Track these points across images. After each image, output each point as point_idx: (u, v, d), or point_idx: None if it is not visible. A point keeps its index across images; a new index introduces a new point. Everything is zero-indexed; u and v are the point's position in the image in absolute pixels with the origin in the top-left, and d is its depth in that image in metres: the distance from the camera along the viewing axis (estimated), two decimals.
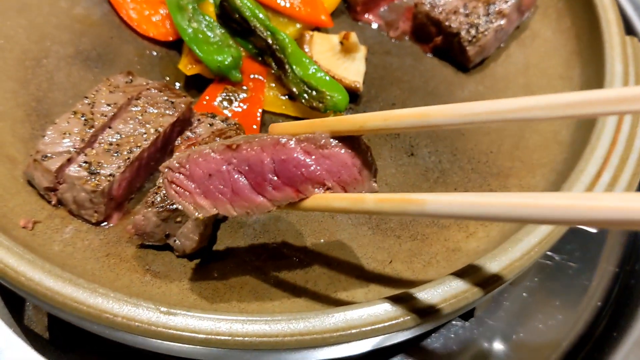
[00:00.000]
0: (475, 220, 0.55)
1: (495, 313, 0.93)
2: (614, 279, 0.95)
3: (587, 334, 0.90)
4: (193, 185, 0.63)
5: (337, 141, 0.63)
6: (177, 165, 0.64)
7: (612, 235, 1.00)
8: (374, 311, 0.66)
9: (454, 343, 0.90)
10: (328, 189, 0.62)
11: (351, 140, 0.63)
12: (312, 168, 0.62)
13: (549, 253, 0.98)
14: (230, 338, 0.64)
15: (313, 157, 0.62)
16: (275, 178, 0.62)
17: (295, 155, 0.62)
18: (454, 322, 0.91)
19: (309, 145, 0.62)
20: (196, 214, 0.63)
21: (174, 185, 0.64)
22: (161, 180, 0.76)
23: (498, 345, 0.90)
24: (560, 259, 0.98)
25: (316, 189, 0.62)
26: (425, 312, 0.67)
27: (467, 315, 0.90)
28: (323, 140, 0.62)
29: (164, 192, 0.77)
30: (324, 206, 0.62)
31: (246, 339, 0.64)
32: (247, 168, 0.62)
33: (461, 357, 0.88)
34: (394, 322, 0.66)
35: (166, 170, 0.64)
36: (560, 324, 0.92)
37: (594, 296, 0.94)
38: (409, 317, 0.66)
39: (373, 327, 0.66)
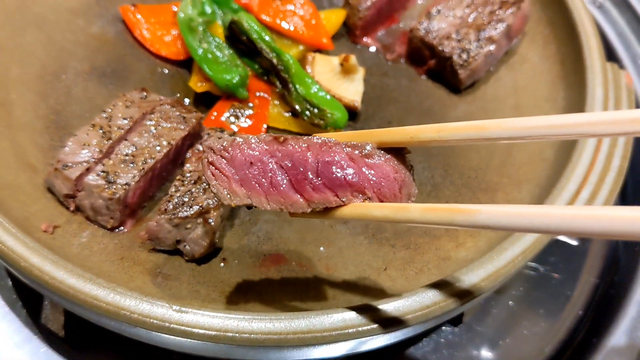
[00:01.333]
0: (529, 232, 0.52)
1: (483, 320, 0.98)
2: (595, 289, 1.01)
3: (569, 340, 0.95)
4: (232, 171, 0.61)
5: (382, 152, 0.61)
6: (220, 147, 0.62)
7: (593, 249, 1.06)
8: (370, 312, 0.72)
9: (444, 347, 0.95)
10: (367, 199, 0.60)
11: (397, 155, 0.62)
12: (354, 175, 0.60)
13: (534, 264, 1.03)
14: (237, 335, 0.70)
15: (357, 164, 0.60)
16: (316, 179, 0.60)
17: (339, 159, 0.60)
18: (444, 328, 0.96)
19: (354, 152, 0.61)
20: (229, 199, 0.61)
21: (212, 167, 0.61)
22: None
23: (485, 350, 0.95)
24: (545, 270, 1.03)
25: (355, 198, 0.60)
26: (416, 315, 0.73)
27: (456, 321, 0.96)
28: (369, 149, 0.61)
29: (175, 200, 0.83)
30: (363, 214, 0.60)
31: (252, 335, 0.69)
32: (289, 164, 0.61)
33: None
34: (393, 320, 0.72)
35: (208, 150, 0.62)
36: (544, 331, 0.97)
37: (575, 305, 0.99)
38: (402, 320, 0.72)
39: (369, 327, 0.72)
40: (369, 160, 0.61)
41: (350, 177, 0.60)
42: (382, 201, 0.61)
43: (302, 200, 0.61)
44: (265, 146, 0.61)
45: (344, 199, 0.60)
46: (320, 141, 0.61)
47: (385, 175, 0.61)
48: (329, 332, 0.71)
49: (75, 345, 0.88)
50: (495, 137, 0.53)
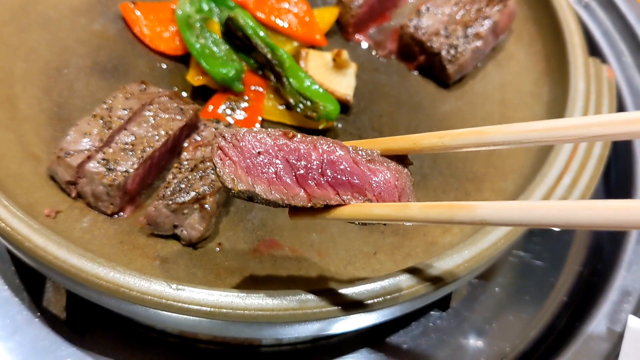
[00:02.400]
0: (527, 226, 0.52)
1: (470, 306, 1.01)
2: (579, 277, 1.05)
3: (553, 324, 0.99)
4: (240, 158, 0.63)
5: (387, 159, 0.65)
6: (230, 136, 0.64)
7: (578, 238, 1.09)
8: (360, 290, 0.76)
9: (432, 331, 0.98)
10: (367, 200, 0.63)
11: (399, 164, 0.66)
12: (357, 177, 0.63)
13: (520, 253, 1.07)
14: (231, 311, 0.73)
15: (360, 167, 0.63)
16: (320, 176, 0.63)
17: (344, 160, 0.63)
18: (432, 312, 1.00)
19: (358, 155, 0.64)
20: (233, 183, 0.62)
21: (220, 152, 0.63)
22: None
23: (472, 334, 0.98)
24: (531, 259, 1.07)
25: (355, 199, 0.63)
26: (402, 294, 0.76)
27: (444, 306, 0.99)
28: (373, 155, 0.64)
29: (173, 187, 0.86)
30: (362, 214, 0.62)
31: (245, 312, 0.73)
32: (295, 158, 0.63)
33: (439, 344, 0.97)
34: (379, 299, 0.76)
35: (219, 136, 0.64)
36: (529, 316, 1.00)
37: (560, 292, 1.03)
38: (391, 296, 0.76)
39: (357, 305, 0.75)
40: (372, 166, 0.64)
41: (352, 178, 0.63)
42: None
43: (303, 194, 0.63)
44: (274, 140, 0.64)
45: (344, 198, 0.63)
46: (327, 142, 0.64)
47: (386, 181, 0.63)
48: (319, 309, 0.74)
49: (76, 328, 0.92)
50: (496, 141, 0.55)
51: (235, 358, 0.93)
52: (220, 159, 0.62)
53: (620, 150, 1.13)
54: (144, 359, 0.92)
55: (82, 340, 0.91)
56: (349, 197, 0.63)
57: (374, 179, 0.63)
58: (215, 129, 0.94)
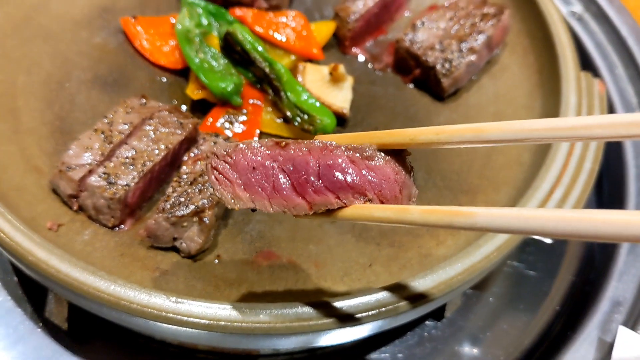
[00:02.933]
0: (525, 234, 0.50)
1: (465, 315, 1.03)
2: (572, 287, 1.06)
3: (546, 333, 1.00)
4: (235, 176, 0.63)
5: (383, 154, 0.62)
6: (223, 153, 0.63)
7: (570, 249, 1.11)
8: (356, 303, 0.78)
9: (427, 340, 1.00)
10: (368, 200, 0.61)
11: (397, 157, 0.63)
12: (355, 177, 0.61)
13: (514, 263, 1.09)
14: (229, 324, 0.75)
15: (358, 166, 0.61)
16: (318, 182, 0.61)
17: (340, 162, 0.61)
18: (427, 322, 1.01)
19: (355, 154, 0.62)
20: (233, 203, 0.62)
21: (215, 172, 0.63)
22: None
23: (467, 343, 1.00)
24: (525, 269, 1.09)
25: (356, 200, 0.61)
26: (398, 305, 0.78)
27: (439, 316, 1.01)
28: (370, 152, 0.62)
29: (172, 200, 0.88)
30: (364, 216, 0.60)
31: (243, 324, 0.75)
32: (291, 168, 0.62)
33: (434, 353, 0.99)
34: (375, 312, 0.78)
35: (211, 156, 0.64)
36: (523, 325, 1.02)
37: (553, 301, 1.05)
38: (386, 309, 0.78)
39: (355, 316, 0.77)
40: (370, 162, 0.62)
41: (351, 179, 0.61)
42: (383, 202, 0.62)
43: (304, 202, 0.62)
44: (267, 151, 0.63)
45: (345, 201, 0.61)
46: (321, 145, 0.62)
47: (385, 177, 0.61)
48: (316, 321, 0.76)
49: (77, 338, 0.93)
50: (492, 139, 0.54)
51: None
52: (217, 179, 0.63)
53: (612, 162, 1.15)
54: None
55: (83, 350, 0.93)
56: (349, 199, 0.61)
57: (372, 176, 0.61)
58: (215, 142, 0.96)
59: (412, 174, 0.64)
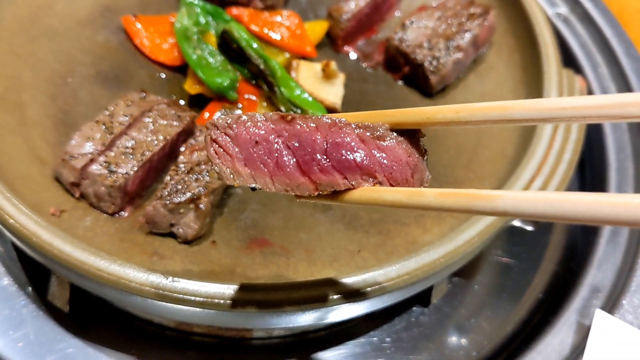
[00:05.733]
0: (552, 220, 0.44)
1: (451, 302, 1.07)
2: (554, 276, 1.11)
3: (528, 319, 1.04)
4: (236, 150, 0.58)
5: (395, 134, 0.58)
6: (223, 124, 0.58)
7: (554, 239, 1.16)
8: (345, 282, 0.82)
9: (414, 325, 1.04)
10: (377, 183, 0.57)
11: (410, 139, 0.59)
12: (365, 157, 0.56)
13: (500, 253, 1.13)
14: (222, 301, 0.79)
15: (368, 146, 0.57)
16: (325, 160, 0.57)
17: (350, 140, 0.57)
18: (414, 308, 1.06)
19: (365, 133, 0.57)
20: (232, 179, 0.58)
21: (215, 145, 0.58)
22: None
23: (452, 329, 1.04)
24: (509, 259, 1.13)
25: (364, 182, 0.57)
26: (385, 285, 0.83)
27: (425, 302, 1.05)
28: (381, 131, 0.57)
29: (170, 188, 0.92)
30: (373, 199, 0.56)
31: (235, 302, 0.79)
32: (297, 144, 0.58)
33: (421, 337, 1.03)
34: (363, 290, 0.82)
35: (211, 127, 0.59)
36: (507, 312, 1.06)
37: (535, 289, 1.09)
38: (373, 288, 0.82)
39: (342, 295, 0.82)
40: (381, 143, 0.57)
41: (360, 159, 0.56)
42: (392, 186, 0.57)
43: (308, 182, 0.58)
44: (271, 125, 0.58)
45: (353, 182, 0.57)
46: (330, 121, 0.58)
47: (397, 158, 0.57)
48: (306, 300, 0.80)
49: (78, 321, 0.98)
50: (516, 118, 0.50)
51: (228, 349, 0.99)
52: (216, 152, 0.58)
53: (594, 151, 1.20)
54: (142, 350, 0.98)
55: (84, 333, 0.97)
56: (357, 180, 0.57)
57: (383, 157, 0.57)
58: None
59: (425, 157, 0.60)
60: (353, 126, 0.57)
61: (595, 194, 0.41)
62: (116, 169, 0.92)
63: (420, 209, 0.53)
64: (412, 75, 1.18)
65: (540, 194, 0.44)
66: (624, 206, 0.39)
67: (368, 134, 0.57)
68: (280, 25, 1.18)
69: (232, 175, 0.58)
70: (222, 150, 0.58)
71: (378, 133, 0.57)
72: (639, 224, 0.40)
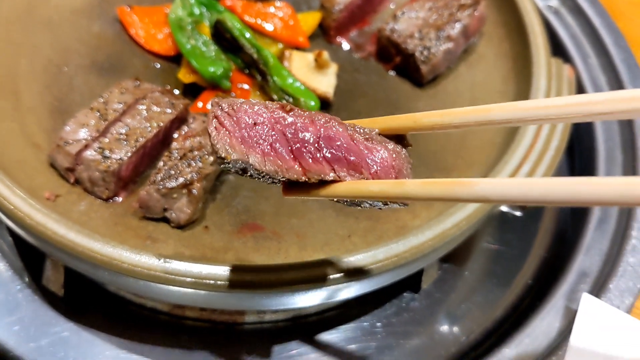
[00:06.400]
0: (528, 203, 0.47)
1: (441, 288, 1.09)
2: (543, 262, 1.12)
3: (517, 304, 1.06)
4: (235, 128, 0.61)
5: (385, 138, 0.63)
6: (226, 106, 0.62)
7: (544, 226, 1.17)
8: (336, 262, 0.84)
9: (405, 311, 1.05)
10: (362, 178, 0.62)
11: (397, 144, 0.64)
12: (354, 154, 0.61)
13: (490, 240, 1.15)
14: (213, 282, 0.81)
15: (357, 145, 0.62)
16: (316, 150, 0.61)
17: (342, 136, 0.61)
18: (405, 294, 1.07)
19: (356, 133, 0.62)
20: (227, 152, 0.60)
21: (215, 121, 0.61)
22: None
23: (443, 313, 1.05)
24: (500, 246, 1.14)
25: (350, 176, 0.61)
26: (373, 267, 0.84)
27: (415, 287, 1.07)
28: (371, 134, 0.62)
29: (163, 173, 0.94)
30: (359, 190, 0.60)
31: (227, 282, 0.81)
32: (292, 132, 0.62)
33: (411, 322, 1.04)
34: (354, 271, 0.83)
35: (215, 105, 0.62)
36: (496, 298, 1.08)
37: (525, 275, 1.10)
38: (364, 269, 0.84)
39: (332, 276, 0.83)
40: (370, 144, 0.62)
41: (349, 155, 0.61)
42: None
43: (298, 167, 0.61)
44: (271, 112, 0.62)
45: (340, 174, 0.61)
46: (326, 117, 0.62)
47: (383, 160, 0.62)
48: (296, 280, 0.82)
49: (73, 305, 0.99)
50: (498, 120, 0.53)
51: (221, 333, 1.00)
52: (216, 128, 0.61)
53: (584, 140, 1.22)
54: (136, 334, 0.99)
55: (78, 317, 0.98)
56: (344, 173, 0.61)
57: (370, 157, 0.62)
58: (204, 121, 1.01)
59: (409, 164, 0.65)
60: (346, 125, 0.62)
61: (565, 178, 0.43)
62: (110, 154, 0.94)
63: (405, 198, 0.56)
64: (404, 66, 1.19)
65: (515, 179, 0.49)
66: (587, 185, 0.42)
67: (359, 134, 0.62)
68: (274, 16, 1.19)
69: (228, 149, 0.60)
70: (221, 127, 0.61)
71: (368, 135, 0.62)
72: (600, 204, 0.42)
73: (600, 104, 0.48)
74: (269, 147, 0.61)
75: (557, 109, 0.50)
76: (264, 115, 0.62)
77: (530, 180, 0.47)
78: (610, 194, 0.41)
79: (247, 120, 0.61)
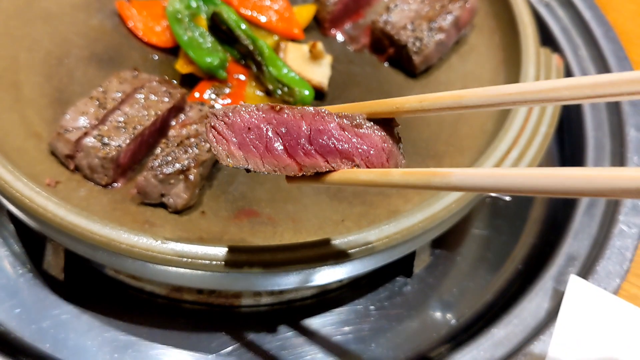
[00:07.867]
0: (500, 192, 0.50)
1: (433, 273, 1.11)
2: (533, 248, 1.15)
3: (507, 288, 1.08)
4: (231, 135, 0.65)
5: (372, 123, 0.65)
6: (222, 113, 0.65)
7: (534, 213, 1.20)
8: (330, 242, 0.86)
9: (397, 295, 1.08)
10: (355, 166, 0.64)
11: (386, 127, 0.66)
12: (344, 143, 0.63)
13: (480, 226, 1.17)
14: (209, 262, 0.83)
15: (347, 133, 0.64)
16: (308, 145, 0.64)
17: (331, 128, 0.64)
18: (397, 278, 1.09)
19: (344, 121, 0.64)
20: (228, 160, 0.65)
21: (213, 131, 0.65)
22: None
23: (434, 298, 1.08)
24: (490, 232, 1.17)
25: (344, 165, 0.64)
26: (363, 249, 0.86)
27: (408, 272, 1.09)
28: (359, 120, 0.64)
29: (161, 159, 0.96)
30: (350, 179, 0.63)
31: (222, 262, 0.83)
32: (284, 130, 0.65)
33: (404, 305, 1.07)
34: (347, 251, 0.86)
35: (211, 115, 0.66)
36: (487, 282, 1.10)
37: (514, 260, 1.13)
38: (357, 250, 0.86)
39: (325, 257, 0.86)
40: (359, 130, 0.64)
41: (340, 145, 0.64)
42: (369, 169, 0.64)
43: (294, 163, 0.65)
44: (262, 114, 0.65)
45: (333, 165, 0.64)
46: (314, 111, 0.65)
47: (373, 144, 0.64)
48: (291, 261, 0.85)
49: (73, 289, 1.01)
50: (471, 104, 0.55)
51: (217, 316, 1.03)
52: (214, 137, 0.65)
53: (573, 128, 1.24)
54: (134, 317, 1.01)
55: (78, 300, 1.01)
56: (337, 163, 0.64)
57: (361, 144, 0.64)
58: (200, 110, 1.04)
59: (400, 144, 0.67)
60: (334, 115, 0.65)
61: (536, 169, 0.46)
62: (109, 141, 0.96)
63: (389, 187, 0.59)
64: (397, 57, 1.22)
65: (489, 169, 0.50)
66: (555, 177, 0.44)
67: (347, 122, 0.64)
68: (269, 9, 1.22)
69: (227, 157, 0.65)
70: (219, 135, 0.65)
71: (356, 122, 0.64)
72: (567, 194, 0.44)
73: (566, 89, 0.49)
74: (264, 149, 0.65)
75: (530, 94, 0.52)
76: (256, 118, 0.65)
77: (502, 170, 0.49)
78: (576, 185, 0.43)
79: (241, 125, 0.65)
